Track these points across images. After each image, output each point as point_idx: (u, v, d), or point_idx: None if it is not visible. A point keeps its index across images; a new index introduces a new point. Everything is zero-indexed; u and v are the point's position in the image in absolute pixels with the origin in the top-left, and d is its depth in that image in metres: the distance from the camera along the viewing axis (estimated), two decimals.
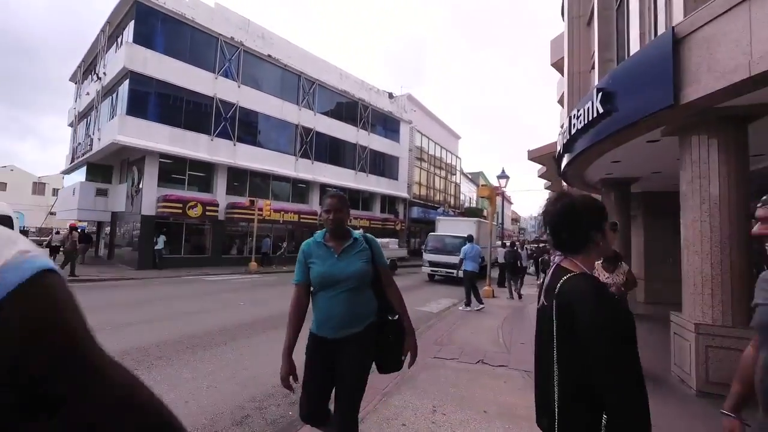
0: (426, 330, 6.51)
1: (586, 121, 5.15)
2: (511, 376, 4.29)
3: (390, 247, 19.48)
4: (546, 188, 39.25)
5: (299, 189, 23.12)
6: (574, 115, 5.55)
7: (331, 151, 24.58)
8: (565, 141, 6.28)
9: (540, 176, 32.49)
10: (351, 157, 25.98)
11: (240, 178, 19.84)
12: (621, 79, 4.44)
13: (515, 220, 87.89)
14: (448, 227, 17.48)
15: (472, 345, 5.59)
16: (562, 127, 7.32)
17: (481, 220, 19.36)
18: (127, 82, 15.67)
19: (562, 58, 24.74)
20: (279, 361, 2.10)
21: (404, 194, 30.39)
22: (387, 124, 29.49)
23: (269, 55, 20.43)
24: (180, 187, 17.39)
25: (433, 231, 18.27)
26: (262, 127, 20.51)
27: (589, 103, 4.99)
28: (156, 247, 15.43)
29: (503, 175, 14.48)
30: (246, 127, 19.67)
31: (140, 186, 16.40)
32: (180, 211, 16.34)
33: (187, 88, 17.07)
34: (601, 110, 4.66)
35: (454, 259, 12.50)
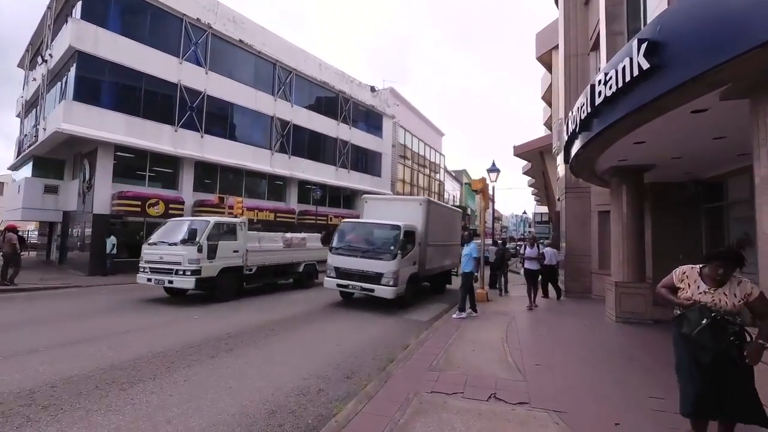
0: (417, 347, 5.34)
1: (618, 86, 4.08)
2: (538, 421, 3.15)
3: (308, 246, 12.73)
4: (530, 185, 38.99)
5: (276, 186, 21.59)
6: (601, 81, 4.48)
7: (310, 145, 23.15)
8: (582, 118, 5.23)
9: (525, 173, 32.06)
10: (331, 152, 24.62)
11: (210, 174, 18.20)
12: (680, 22, 3.37)
13: (497, 218, 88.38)
14: (381, 211, 10.08)
15: (477, 369, 4.45)
16: (572, 112, 6.28)
17: (438, 202, 13.64)
18: (74, 63, 13.86)
19: (549, 51, 24.13)
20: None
21: (388, 191, 29.20)
22: (369, 119, 28.25)
23: (241, 41, 18.84)
24: (140, 183, 15.67)
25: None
26: (234, 119, 18.91)
27: (625, 62, 3.92)
28: (107, 251, 13.65)
29: (493, 168, 13.47)
30: (215, 118, 18.03)
31: (92, 181, 14.61)
32: (138, 209, 14.64)
33: (146, 73, 15.35)
34: (645, 66, 3.59)
35: (380, 267, 8.21)
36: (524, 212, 38.55)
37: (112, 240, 13.57)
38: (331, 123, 24.46)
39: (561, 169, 11.86)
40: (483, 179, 10.28)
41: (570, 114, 6.08)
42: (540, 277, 10.69)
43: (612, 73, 4.21)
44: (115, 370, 4.27)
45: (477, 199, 63.64)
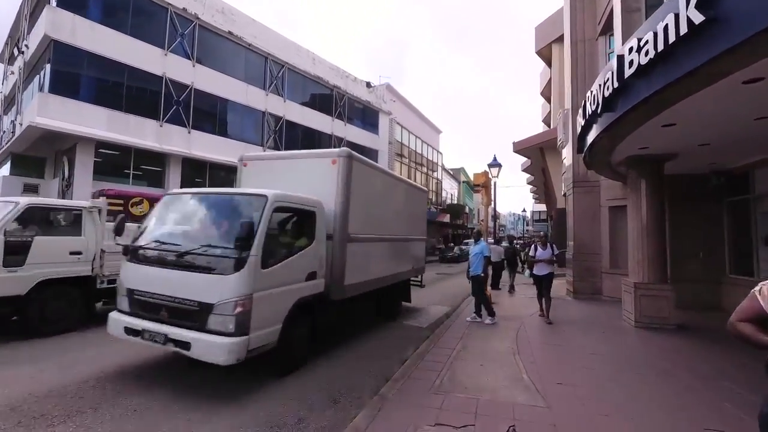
0: (417, 362, 4.64)
1: (658, 50, 3.39)
2: None
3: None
4: (528, 183, 38.41)
5: None
6: (633, 49, 3.78)
7: (304, 141, 22.39)
8: (605, 96, 4.54)
9: (524, 170, 31.43)
10: (326, 148, 23.85)
11: (199, 172, 17.41)
12: None
13: (494, 216, 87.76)
14: (270, 178, 5.51)
15: (489, 390, 3.76)
16: (590, 93, 5.60)
17: (376, 165, 6.85)
18: (50, 54, 13.06)
19: (549, 44, 23.47)
20: None
21: None
22: (365, 115, 27.55)
23: (230, 32, 18.07)
24: (124, 181, 14.88)
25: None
26: (223, 114, 18.15)
27: (668, 19, 3.23)
28: None
29: (495, 163, 12.79)
30: (203, 113, 17.26)
31: (71, 179, 13.82)
32: (121, 208, 13.78)
33: (129, 65, 14.57)
34: (698, 19, 2.90)
35: (206, 290, 3.70)
36: (524, 210, 37.95)
37: None
38: (325, 119, 23.73)
39: (567, 162, 11.20)
40: (485, 173, 9.61)
41: (588, 96, 5.39)
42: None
43: (649, 36, 3.52)
44: None
45: (477, 197, 62.52)
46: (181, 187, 16.34)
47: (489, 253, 7.17)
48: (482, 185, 8.97)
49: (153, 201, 15.15)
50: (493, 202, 11.82)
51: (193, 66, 16.59)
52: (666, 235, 6.70)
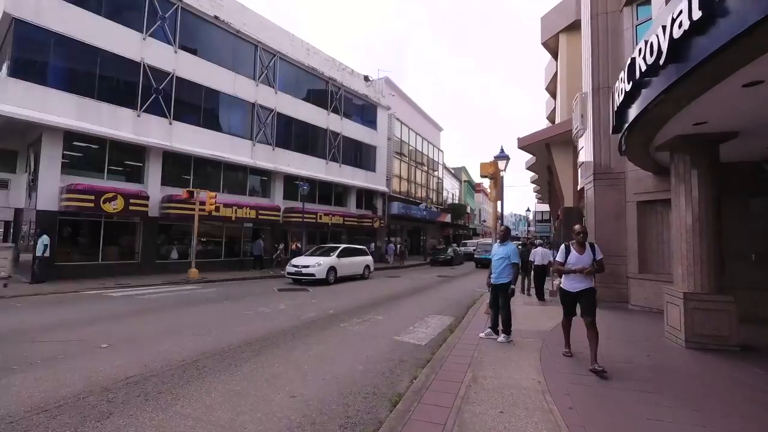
0: (413, 403, 3.41)
1: None
2: None
3: None
4: (532, 182, 37.13)
5: (259, 181, 19.63)
6: None
7: (297, 136, 21.17)
8: (672, 39, 3.30)
9: (528, 168, 30.15)
10: (321, 144, 22.65)
11: (182, 167, 16.20)
12: None
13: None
14: None
15: None
16: (643, 45, 4.35)
17: None
18: (11, 34, 11.85)
19: (557, 34, 22.20)
20: None
21: (383, 188, 27.28)
22: (362, 110, 26.31)
23: (216, 17, 16.85)
24: (98, 176, 13.66)
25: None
26: (209, 105, 16.91)
27: None
28: (37, 253, 11.55)
29: (502, 155, 11.52)
30: (186, 103, 16.03)
31: (37, 173, 12.60)
32: (92, 204, 12.63)
33: (102, 49, 13.35)
34: None
35: None
36: (528, 209, 36.70)
37: (44, 240, 11.47)
38: (320, 113, 22.50)
39: (585, 153, 9.96)
40: (494, 162, 8.37)
41: (637, 54, 4.13)
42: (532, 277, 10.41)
43: None
44: None
45: (479, 197, 61.43)
46: (163, 184, 15.14)
47: (518, 259, 5.80)
48: (490, 176, 7.72)
49: (128, 197, 14.00)
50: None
51: (175, 52, 15.37)
52: (721, 233, 5.44)
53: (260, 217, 18.08)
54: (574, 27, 20.96)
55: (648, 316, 7.40)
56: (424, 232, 36.97)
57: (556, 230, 31.48)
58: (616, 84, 4.87)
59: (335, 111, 23.53)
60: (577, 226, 4.86)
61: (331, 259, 14.00)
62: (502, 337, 5.59)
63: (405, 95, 33.73)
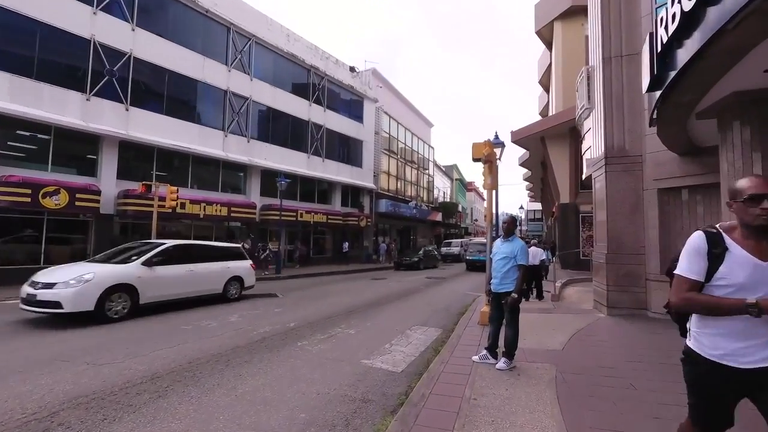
0: None
1: None
2: None
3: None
4: (525, 179, 36.10)
5: (233, 175, 18.05)
6: None
7: (275, 128, 19.65)
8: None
9: (521, 164, 29.05)
10: (302, 137, 21.14)
11: (143, 158, 14.60)
12: None
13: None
14: None
15: None
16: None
17: None
18: None
19: (551, 22, 21.08)
20: None
21: (370, 184, 25.86)
22: (347, 102, 24.87)
23: None
24: (40, 167, 12.00)
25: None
26: (173, 91, 15.30)
27: None
28: None
29: (497, 142, 10.16)
30: (146, 87, 14.43)
31: None
32: (28, 199, 10.98)
33: (43, 22, 11.70)
34: None
35: None
36: (521, 207, 35.63)
37: None
38: (301, 103, 21.00)
39: (594, 136, 8.67)
40: (488, 143, 7.00)
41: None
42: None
43: None
44: None
45: (471, 195, 60.54)
46: (121, 178, 13.52)
47: (526, 260, 4.31)
48: (485, 159, 6.36)
49: (75, 192, 12.35)
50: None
51: (133, 30, 13.75)
52: None
53: (233, 214, 16.54)
54: (569, 14, 19.92)
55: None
56: (414, 231, 35.64)
57: (549, 228, 30.46)
58: (660, 15, 3.51)
59: (318, 102, 22.04)
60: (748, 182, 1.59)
61: (124, 270, 7.11)
62: (502, 363, 4.20)
63: (394, 88, 32.38)
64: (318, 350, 5.21)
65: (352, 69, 25.24)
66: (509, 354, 4.20)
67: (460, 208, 48.60)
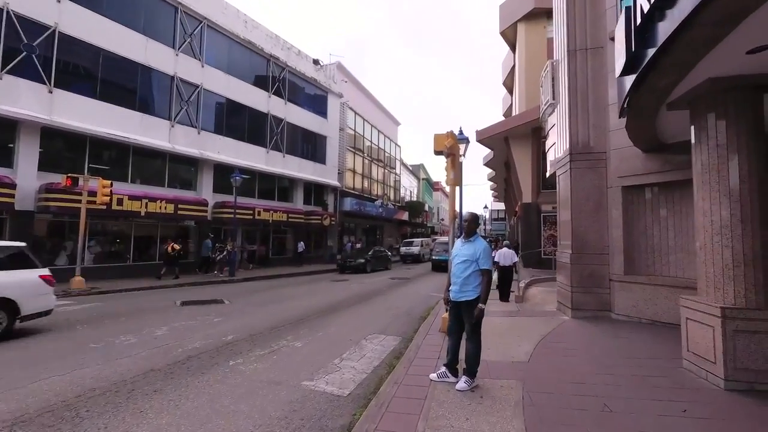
0: None
1: None
2: None
3: None
4: (489, 179, 36.58)
5: (181, 169, 16.55)
6: None
7: (230, 120, 18.31)
8: None
9: (486, 164, 29.29)
10: (260, 131, 19.90)
11: (74, 149, 12.92)
12: None
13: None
14: None
15: None
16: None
17: None
18: None
19: (515, 23, 21.24)
20: None
21: (334, 182, 24.97)
22: (311, 96, 23.83)
23: None
24: None
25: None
26: (109, 73, 13.67)
27: None
28: None
29: (462, 137, 9.75)
30: (75, 68, 12.79)
31: None
32: None
33: None
34: None
35: None
36: (485, 207, 36.03)
37: None
38: (260, 94, 19.76)
39: (555, 133, 8.44)
40: (451, 134, 6.49)
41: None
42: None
43: None
44: None
45: (437, 195, 61.01)
46: (44, 170, 11.84)
47: (490, 264, 3.72)
48: (447, 152, 5.83)
49: None
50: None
51: (58, 1, 12.08)
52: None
53: (181, 212, 15.13)
54: (532, 15, 20.15)
55: (640, 330, 5.88)
56: (381, 230, 35.12)
57: (512, 228, 30.99)
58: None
59: (278, 94, 20.87)
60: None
61: None
62: (462, 383, 3.64)
63: (360, 84, 31.63)
64: (252, 370, 4.42)
65: (316, 62, 24.23)
66: (470, 372, 3.64)
67: (426, 208, 48.68)
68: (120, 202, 12.98)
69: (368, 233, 33.02)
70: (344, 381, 4.18)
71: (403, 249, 27.47)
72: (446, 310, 3.98)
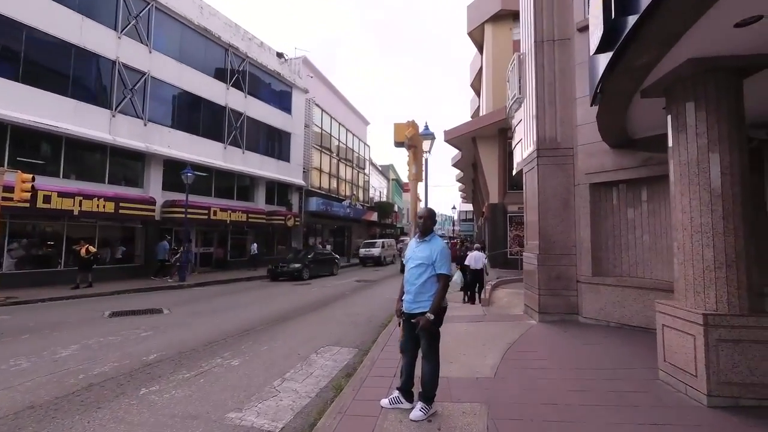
0: None
1: None
2: None
3: None
4: (458, 180, 36.75)
5: (125, 164, 15.04)
6: None
7: (183, 112, 16.94)
8: None
9: (454, 165, 29.30)
10: (217, 125, 18.60)
11: None
12: None
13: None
14: None
15: None
16: None
17: None
18: None
19: (482, 24, 21.24)
20: None
21: (299, 181, 23.93)
22: (273, 90, 22.70)
23: None
24: None
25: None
26: (36, 53, 12.10)
27: None
28: None
29: (427, 133, 9.24)
30: None
31: None
32: None
33: None
34: None
35: None
36: (453, 207, 36.11)
37: None
38: (216, 85, 18.47)
39: (522, 128, 8.12)
40: (412, 123, 5.94)
41: None
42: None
43: None
44: None
45: (407, 196, 61.18)
46: None
47: (448, 268, 3.14)
48: (408, 144, 5.27)
49: None
50: (409, 208, 8.26)
51: None
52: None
53: (123, 211, 13.68)
54: (499, 17, 20.23)
55: (609, 334, 5.56)
56: (349, 231, 34.30)
57: (479, 228, 31.18)
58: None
59: (237, 86, 19.63)
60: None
61: None
62: (418, 410, 3.04)
63: (328, 81, 30.72)
64: (167, 400, 3.61)
65: (279, 55, 23.13)
66: (427, 398, 3.05)
67: (396, 209, 48.37)
68: (47, 199, 11.47)
69: (335, 234, 32.13)
70: (280, 410, 3.47)
71: (362, 251, 25.26)
72: (399, 324, 3.36)
